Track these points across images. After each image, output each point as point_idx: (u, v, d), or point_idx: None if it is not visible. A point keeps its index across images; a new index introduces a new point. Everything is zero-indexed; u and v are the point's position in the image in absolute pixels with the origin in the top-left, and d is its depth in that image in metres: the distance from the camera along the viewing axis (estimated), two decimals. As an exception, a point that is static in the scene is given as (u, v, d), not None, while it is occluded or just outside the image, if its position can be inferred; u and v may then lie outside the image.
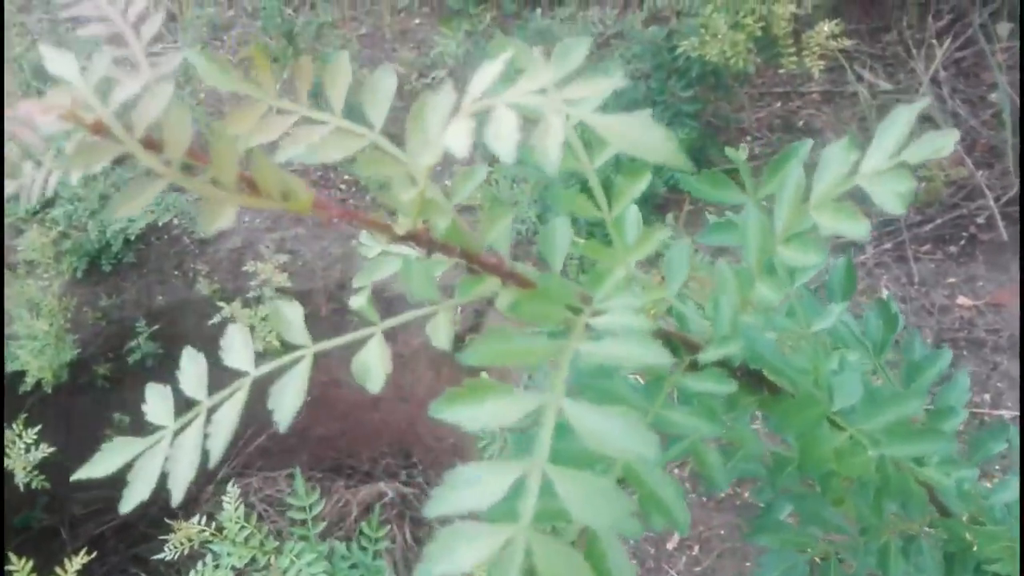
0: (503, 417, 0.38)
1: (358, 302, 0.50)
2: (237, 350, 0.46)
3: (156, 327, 3.16)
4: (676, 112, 2.97)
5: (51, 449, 2.35)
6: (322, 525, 2.18)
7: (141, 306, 3.25)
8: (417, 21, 3.92)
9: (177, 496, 0.41)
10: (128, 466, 0.43)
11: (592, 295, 0.53)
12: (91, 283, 3.24)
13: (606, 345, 0.43)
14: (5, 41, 3.36)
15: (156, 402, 0.45)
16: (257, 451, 3.26)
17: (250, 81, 0.47)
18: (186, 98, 3.18)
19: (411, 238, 0.46)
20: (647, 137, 0.36)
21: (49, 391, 2.91)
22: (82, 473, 0.43)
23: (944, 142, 0.48)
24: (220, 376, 0.48)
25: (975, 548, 0.74)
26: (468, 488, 0.35)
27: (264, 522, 3.00)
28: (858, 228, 0.50)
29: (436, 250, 0.47)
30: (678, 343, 0.62)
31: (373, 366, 0.46)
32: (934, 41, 3.16)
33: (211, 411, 0.44)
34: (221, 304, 2.94)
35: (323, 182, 3.43)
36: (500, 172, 2.93)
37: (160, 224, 3.26)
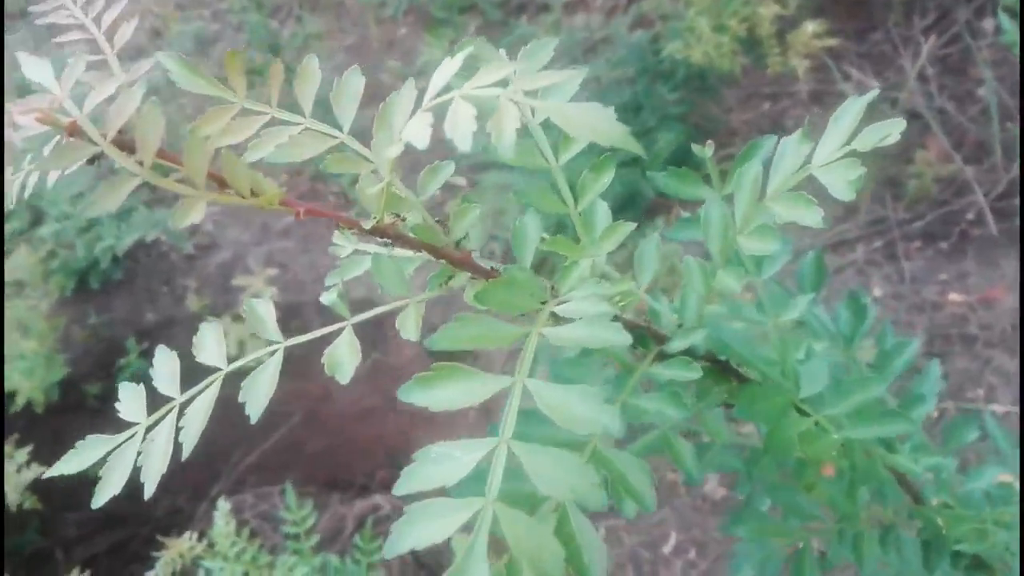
0: (471, 397, 0.39)
1: (329, 298, 0.52)
2: (209, 347, 0.47)
3: (146, 344, 3.16)
4: (663, 115, 2.98)
5: (43, 469, 2.35)
6: (316, 539, 2.17)
7: (131, 323, 3.25)
8: (403, 31, 3.95)
9: (150, 489, 0.42)
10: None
11: (559, 287, 0.54)
12: (80, 301, 3.24)
13: (569, 329, 0.44)
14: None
15: (129, 400, 0.46)
16: (251, 468, 3.25)
17: (221, 84, 0.48)
18: (171, 112, 3.19)
19: (378, 232, 0.47)
20: (599, 122, 0.38)
21: (40, 411, 2.90)
22: (55, 470, 0.44)
23: (891, 129, 0.50)
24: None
25: (945, 532, 0.75)
26: (437, 464, 0.36)
27: (258, 537, 2.98)
28: (811, 216, 0.52)
29: (403, 244, 0.49)
30: (647, 335, 0.63)
31: (344, 358, 0.47)
32: (920, 38, 3.19)
33: (183, 406, 0.45)
34: (211, 319, 2.93)
35: (312, 194, 3.45)
36: (487, 180, 2.95)
37: (148, 241, 3.27)
